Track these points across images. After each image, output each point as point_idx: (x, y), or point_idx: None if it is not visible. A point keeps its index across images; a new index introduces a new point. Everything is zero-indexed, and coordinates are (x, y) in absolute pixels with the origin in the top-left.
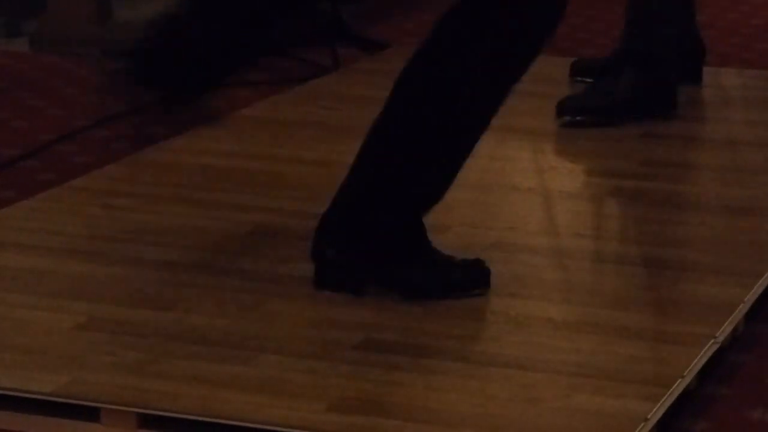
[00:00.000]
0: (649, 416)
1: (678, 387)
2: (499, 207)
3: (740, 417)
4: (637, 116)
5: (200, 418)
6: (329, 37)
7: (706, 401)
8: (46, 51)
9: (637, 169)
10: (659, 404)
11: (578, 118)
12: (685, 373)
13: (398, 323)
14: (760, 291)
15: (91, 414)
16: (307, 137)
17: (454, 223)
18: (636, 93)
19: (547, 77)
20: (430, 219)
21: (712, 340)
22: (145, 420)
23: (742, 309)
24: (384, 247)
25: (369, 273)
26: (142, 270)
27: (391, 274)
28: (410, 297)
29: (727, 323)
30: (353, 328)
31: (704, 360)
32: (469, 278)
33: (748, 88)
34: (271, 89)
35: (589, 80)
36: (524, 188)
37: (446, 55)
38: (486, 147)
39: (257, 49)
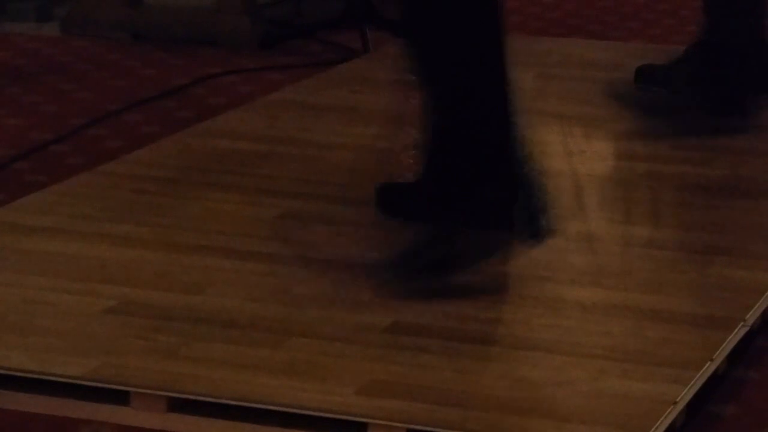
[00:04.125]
0: (678, 399)
1: (707, 370)
2: None
3: None
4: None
5: (229, 402)
6: (359, 20)
7: (734, 384)
8: (76, 35)
9: (667, 153)
10: (688, 387)
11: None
12: (714, 357)
13: (427, 306)
14: None
15: (121, 397)
16: (336, 121)
17: None
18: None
19: (575, 60)
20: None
21: (742, 324)
22: (174, 403)
23: None
24: None
25: None
26: (172, 254)
27: None
28: None
29: (756, 307)
30: (382, 311)
31: (733, 343)
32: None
33: None
34: (301, 73)
35: (655, 88)
36: (554, 172)
37: None
38: None
39: None
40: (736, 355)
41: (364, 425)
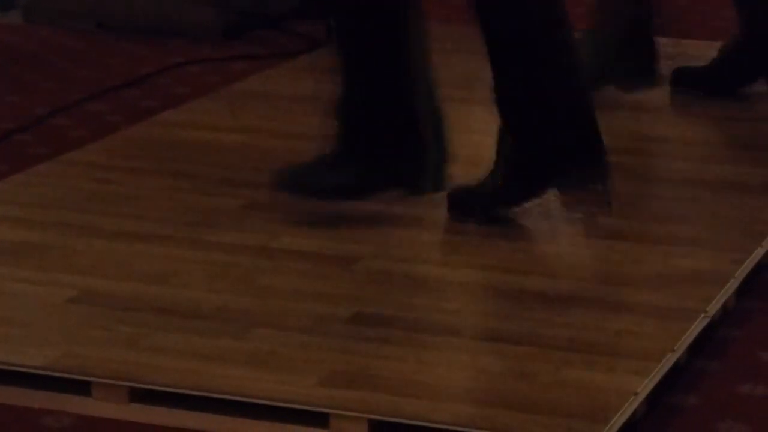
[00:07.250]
0: (638, 390)
1: (668, 361)
2: None
3: (730, 391)
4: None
5: (191, 392)
6: (323, 10)
7: (696, 375)
8: (40, 23)
9: (627, 144)
10: (649, 378)
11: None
12: (675, 348)
13: (390, 297)
14: (750, 266)
15: (82, 388)
16: (300, 111)
17: None
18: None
19: None
20: (426, 194)
21: (703, 315)
22: (136, 394)
23: (733, 284)
24: None
25: None
26: (135, 244)
27: None
28: None
29: (717, 298)
30: (345, 302)
31: (694, 335)
32: None
33: None
34: (265, 63)
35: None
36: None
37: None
38: (479, 122)
39: None
40: (697, 346)
41: (326, 416)
